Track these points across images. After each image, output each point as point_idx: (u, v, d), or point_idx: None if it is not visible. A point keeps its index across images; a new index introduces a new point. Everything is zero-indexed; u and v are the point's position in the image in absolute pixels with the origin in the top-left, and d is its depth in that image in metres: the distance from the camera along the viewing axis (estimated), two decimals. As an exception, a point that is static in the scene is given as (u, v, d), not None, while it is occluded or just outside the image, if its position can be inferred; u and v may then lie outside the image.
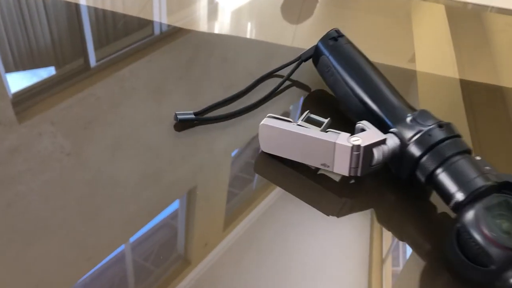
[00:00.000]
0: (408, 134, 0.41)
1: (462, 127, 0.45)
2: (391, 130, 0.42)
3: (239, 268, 0.24)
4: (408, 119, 0.42)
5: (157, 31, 0.44)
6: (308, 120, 0.45)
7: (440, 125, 0.40)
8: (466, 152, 0.39)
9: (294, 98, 0.54)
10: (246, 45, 0.58)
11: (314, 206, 0.40)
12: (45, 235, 0.25)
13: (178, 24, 0.46)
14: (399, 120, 0.43)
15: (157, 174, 0.31)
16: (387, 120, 0.44)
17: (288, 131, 0.43)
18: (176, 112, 0.47)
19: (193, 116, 0.48)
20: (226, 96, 0.50)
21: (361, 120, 0.44)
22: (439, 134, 0.40)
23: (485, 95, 0.51)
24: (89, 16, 0.45)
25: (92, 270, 0.22)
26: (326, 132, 0.43)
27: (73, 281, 0.22)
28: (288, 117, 0.44)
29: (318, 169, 0.45)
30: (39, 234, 0.25)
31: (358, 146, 0.40)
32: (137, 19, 0.46)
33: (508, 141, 0.46)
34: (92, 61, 0.39)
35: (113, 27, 0.44)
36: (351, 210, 0.42)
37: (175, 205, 0.27)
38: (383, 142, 0.41)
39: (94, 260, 0.23)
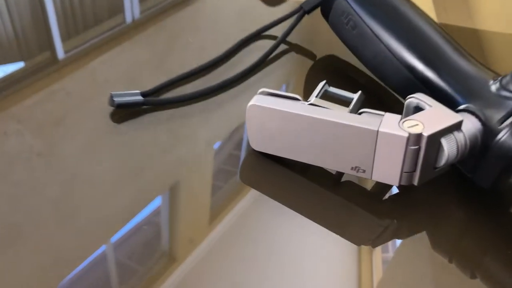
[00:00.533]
0: (495, 113, 0.25)
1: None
2: (464, 106, 0.26)
3: (226, 263, 0.23)
4: (493, 87, 0.25)
5: (129, 19, 0.42)
6: (326, 97, 0.28)
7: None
8: None
9: (293, 69, 0.38)
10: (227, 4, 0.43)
11: (338, 233, 0.25)
12: (18, 241, 0.24)
13: (151, 10, 0.43)
14: (475, 91, 0.26)
15: (137, 171, 0.28)
16: (454, 92, 0.27)
17: (295, 115, 0.26)
18: (112, 93, 0.30)
19: (140, 98, 0.30)
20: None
21: (403, 94, 0.27)
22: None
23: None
24: (54, 5, 0.43)
25: (72, 274, 0.22)
26: (359, 114, 0.26)
27: (53, 286, 0.21)
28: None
29: (341, 175, 0.28)
30: (11, 240, 0.24)
31: (419, 135, 0.23)
32: (107, 6, 0.44)
33: None
34: (60, 53, 0.38)
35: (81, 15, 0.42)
36: (395, 237, 0.26)
37: (157, 202, 0.26)
38: (457, 126, 0.24)
39: (74, 263, 0.22)
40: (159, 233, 0.25)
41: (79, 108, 0.31)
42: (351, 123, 0.25)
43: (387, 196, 0.28)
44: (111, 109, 0.30)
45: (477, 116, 0.25)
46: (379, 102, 0.33)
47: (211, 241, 0.24)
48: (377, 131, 0.24)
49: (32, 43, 0.41)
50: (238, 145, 0.31)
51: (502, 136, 0.24)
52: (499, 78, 0.26)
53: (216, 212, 0.26)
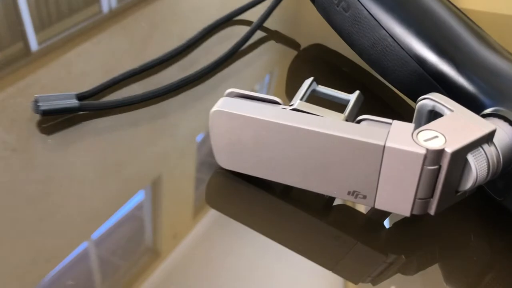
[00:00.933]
0: (536, 119, 0.19)
1: None
2: (492, 110, 0.20)
3: (211, 257, 0.22)
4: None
5: (105, 8, 0.41)
6: (314, 98, 0.21)
7: None
8: None
9: (271, 62, 0.32)
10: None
11: (331, 269, 0.20)
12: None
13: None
14: (507, 90, 0.20)
15: (118, 166, 0.25)
16: (478, 92, 0.21)
17: (272, 124, 0.19)
18: (37, 96, 0.23)
19: (75, 102, 0.24)
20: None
21: (412, 94, 0.21)
22: None
23: None
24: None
25: (53, 272, 0.21)
26: (357, 122, 0.20)
27: (32, 286, 0.20)
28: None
29: (332, 200, 0.22)
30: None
31: (441, 152, 0.17)
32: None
33: None
34: (33, 45, 0.37)
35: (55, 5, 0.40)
36: (401, 273, 0.20)
37: (140, 196, 0.24)
38: (489, 138, 0.18)
39: (55, 260, 0.21)
40: (143, 228, 0.24)
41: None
42: (348, 136, 0.18)
43: (390, 223, 0.22)
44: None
45: (511, 123, 0.19)
46: (382, 105, 0.27)
47: (195, 235, 0.23)
48: (384, 146, 0.18)
49: (2, 34, 0.39)
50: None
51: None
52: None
53: (200, 206, 0.23)
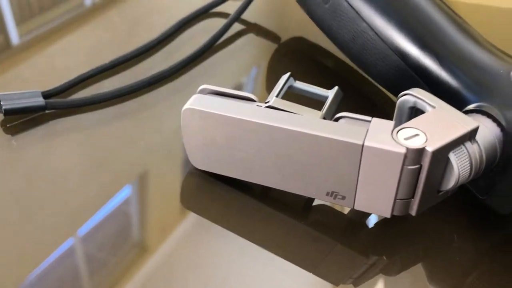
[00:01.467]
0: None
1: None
2: (476, 106, 0.19)
3: (200, 251, 0.21)
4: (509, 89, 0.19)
5: (88, 1, 0.40)
6: (291, 95, 0.20)
7: None
8: None
9: (250, 56, 0.31)
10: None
11: (311, 271, 0.20)
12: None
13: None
14: (491, 84, 0.19)
15: (103, 161, 0.24)
16: (461, 87, 0.20)
17: (246, 122, 0.18)
18: None
19: (41, 100, 0.22)
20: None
21: (394, 90, 0.20)
22: None
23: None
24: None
25: (39, 269, 0.20)
26: (336, 119, 0.19)
27: (16, 284, 0.20)
28: (242, 91, 0.20)
29: (311, 200, 0.21)
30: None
31: (421, 150, 0.17)
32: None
33: None
34: (14, 38, 0.36)
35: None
36: (383, 274, 0.20)
37: (126, 191, 0.24)
38: (471, 135, 0.18)
39: (39, 258, 0.21)
40: (130, 223, 0.23)
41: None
42: (325, 135, 0.17)
43: (372, 223, 0.21)
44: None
45: (494, 119, 0.19)
46: (363, 101, 0.27)
47: (183, 229, 0.22)
48: (362, 145, 0.17)
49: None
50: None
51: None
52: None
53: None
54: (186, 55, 0.27)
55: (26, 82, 0.28)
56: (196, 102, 0.19)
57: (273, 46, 0.31)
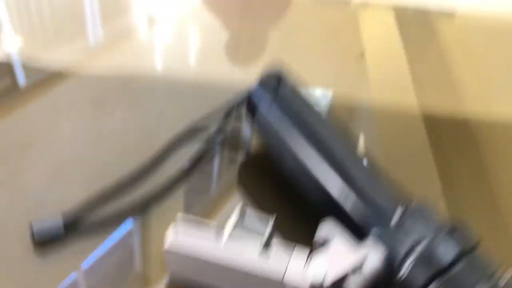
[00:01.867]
0: (399, 246, 0.25)
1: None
2: (373, 232, 0.26)
3: None
4: (394, 220, 0.26)
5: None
6: (245, 227, 0.28)
7: (451, 230, 0.25)
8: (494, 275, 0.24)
9: (221, 168, 0.37)
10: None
11: None
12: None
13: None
14: (381, 218, 0.27)
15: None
16: (361, 216, 0.28)
17: (208, 262, 0.26)
18: (32, 222, 0.30)
19: (61, 226, 0.30)
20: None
21: (324, 214, 0.28)
22: (449, 250, 0.24)
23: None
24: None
25: None
26: (269, 251, 0.26)
27: None
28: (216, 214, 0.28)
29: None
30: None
31: (321, 284, 0.24)
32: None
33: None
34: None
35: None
36: None
37: (128, 225, 0.29)
38: (360, 265, 0.25)
39: None
40: (132, 257, 0.27)
41: (45, 134, 0.34)
42: (256, 273, 0.25)
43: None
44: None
45: (383, 244, 0.26)
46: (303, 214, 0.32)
47: None
48: (281, 282, 0.25)
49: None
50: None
51: (404, 274, 0.25)
52: (404, 206, 0.27)
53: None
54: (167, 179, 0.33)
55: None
56: (173, 240, 0.26)
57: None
